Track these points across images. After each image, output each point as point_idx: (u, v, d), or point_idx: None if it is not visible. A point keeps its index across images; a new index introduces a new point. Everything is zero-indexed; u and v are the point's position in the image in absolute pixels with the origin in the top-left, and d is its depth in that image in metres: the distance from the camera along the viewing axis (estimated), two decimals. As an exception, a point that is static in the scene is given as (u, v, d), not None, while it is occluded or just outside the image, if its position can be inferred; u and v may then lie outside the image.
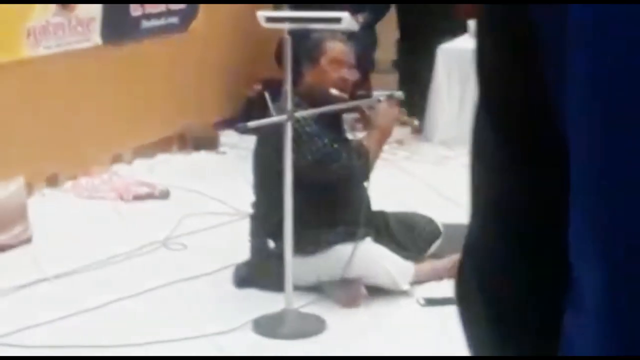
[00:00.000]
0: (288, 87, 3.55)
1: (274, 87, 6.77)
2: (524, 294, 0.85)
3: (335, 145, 3.87)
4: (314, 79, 3.94)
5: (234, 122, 6.98)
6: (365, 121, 4.06)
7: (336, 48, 4.01)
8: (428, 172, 5.77)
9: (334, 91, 3.92)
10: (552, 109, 0.75)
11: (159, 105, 6.39)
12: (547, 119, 0.77)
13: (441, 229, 4.26)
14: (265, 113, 6.98)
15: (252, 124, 3.56)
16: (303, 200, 3.69)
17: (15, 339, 3.64)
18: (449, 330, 3.66)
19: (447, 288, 4.04)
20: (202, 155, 6.43)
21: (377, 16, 6.93)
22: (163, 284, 4.13)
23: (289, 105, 3.55)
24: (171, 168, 6.11)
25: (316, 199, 3.86)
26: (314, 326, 3.69)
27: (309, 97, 3.86)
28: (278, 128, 3.70)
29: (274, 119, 3.59)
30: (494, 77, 0.82)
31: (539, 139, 0.80)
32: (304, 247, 3.76)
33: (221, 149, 6.55)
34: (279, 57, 6.77)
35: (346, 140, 4.12)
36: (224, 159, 6.40)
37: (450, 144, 6.30)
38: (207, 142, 6.50)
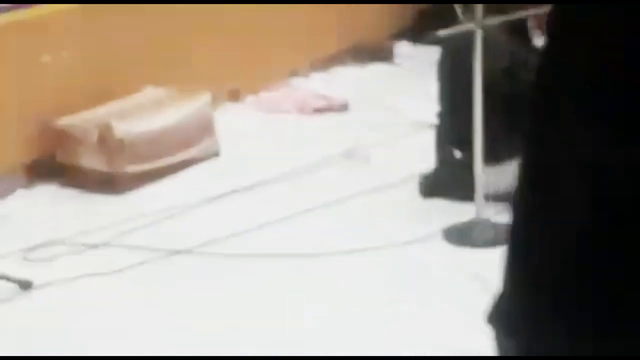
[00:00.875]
0: (477, -6, 3.50)
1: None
2: None
3: (524, 53, 3.80)
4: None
5: (408, 33, 6.97)
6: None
7: None
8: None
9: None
10: None
11: (334, 18, 6.40)
12: None
13: None
14: (439, 23, 6.90)
15: (442, 32, 3.53)
16: (492, 109, 3.66)
17: (213, 247, 3.77)
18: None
19: None
20: (378, 67, 6.42)
21: None
22: (350, 195, 4.19)
23: (479, 13, 3.50)
24: (347, 81, 6.13)
25: (503, 107, 3.82)
26: (504, 235, 3.67)
27: (494, 3, 3.78)
28: (464, 37, 3.67)
29: (465, 27, 3.55)
30: None
31: None
32: (491, 155, 3.73)
33: (396, 60, 6.52)
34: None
35: (533, 47, 4.04)
36: (399, 71, 6.38)
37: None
38: (382, 54, 6.49)
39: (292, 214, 4.04)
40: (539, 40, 4.25)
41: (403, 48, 6.71)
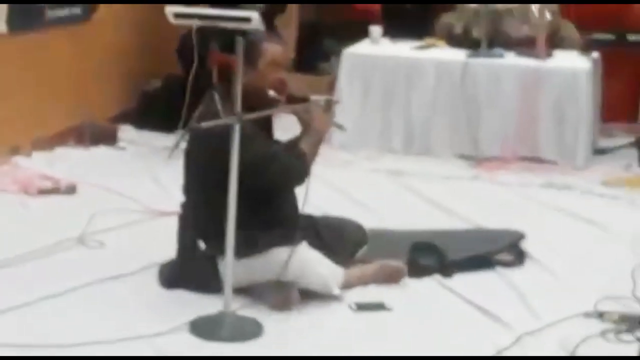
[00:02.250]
0: (238, 88, 3.53)
1: (175, 83, 6.73)
2: None
3: (275, 147, 3.87)
4: (251, 80, 3.90)
5: (131, 116, 6.91)
6: (303, 124, 4.06)
7: (275, 50, 3.99)
8: (333, 176, 5.80)
9: (272, 93, 3.92)
10: None
11: (59, 96, 6.25)
12: None
13: (368, 234, 4.31)
14: (162, 107, 6.88)
15: (205, 124, 3.51)
16: (239, 201, 3.66)
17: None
18: (380, 335, 3.73)
19: (374, 293, 4.10)
20: (102, 150, 6.30)
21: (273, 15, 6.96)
22: (86, 283, 4.04)
23: (238, 107, 3.53)
24: (71, 162, 5.97)
25: (253, 200, 3.84)
26: (251, 329, 3.67)
27: (245, 98, 3.81)
28: (214, 128, 3.68)
29: (224, 120, 3.55)
30: None
31: None
32: (239, 248, 3.73)
33: (120, 144, 6.43)
34: (180, 53, 6.72)
35: (278, 143, 4.12)
36: (124, 155, 6.30)
37: (351, 147, 6.36)
38: (106, 137, 6.38)
39: (23, 302, 3.81)
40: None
41: (127, 132, 6.65)
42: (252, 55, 3.95)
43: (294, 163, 3.89)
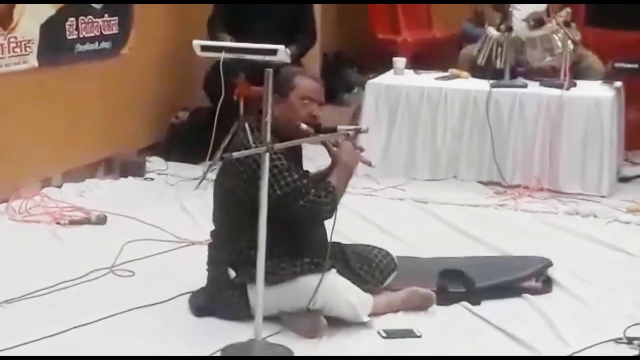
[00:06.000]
0: (268, 119, 3.58)
1: (203, 116, 6.81)
2: None
3: (305, 181, 3.91)
4: (283, 113, 3.96)
5: (159, 148, 6.99)
6: (331, 156, 4.11)
7: (308, 85, 4.04)
8: (360, 204, 5.85)
9: (304, 126, 3.96)
10: None
11: (89, 129, 6.34)
12: None
13: (396, 262, 4.34)
14: (189, 139, 6.95)
15: (236, 154, 3.56)
16: (268, 231, 3.71)
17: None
18: (410, 362, 3.77)
19: (403, 320, 4.13)
20: (130, 182, 6.38)
21: (304, 50, 7.01)
22: (119, 312, 4.08)
23: (268, 137, 3.58)
24: (101, 194, 6.06)
25: (282, 230, 3.89)
26: (282, 357, 3.71)
27: (276, 131, 3.87)
28: (243, 158, 3.74)
29: (255, 150, 3.61)
30: None
31: None
32: (268, 277, 3.77)
33: (148, 175, 6.51)
34: (207, 86, 6.81)
35: (307, 174, 4.15)
36: (152, 186, 6.37)
37: (377, 177, 6.40)
38: (134, 168, 6.46)
39: (56, 332, 3.86)
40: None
41: (155, 163, 6.72)
42: (284, 88, 4.00)
43: (324, 198, 3.92)
